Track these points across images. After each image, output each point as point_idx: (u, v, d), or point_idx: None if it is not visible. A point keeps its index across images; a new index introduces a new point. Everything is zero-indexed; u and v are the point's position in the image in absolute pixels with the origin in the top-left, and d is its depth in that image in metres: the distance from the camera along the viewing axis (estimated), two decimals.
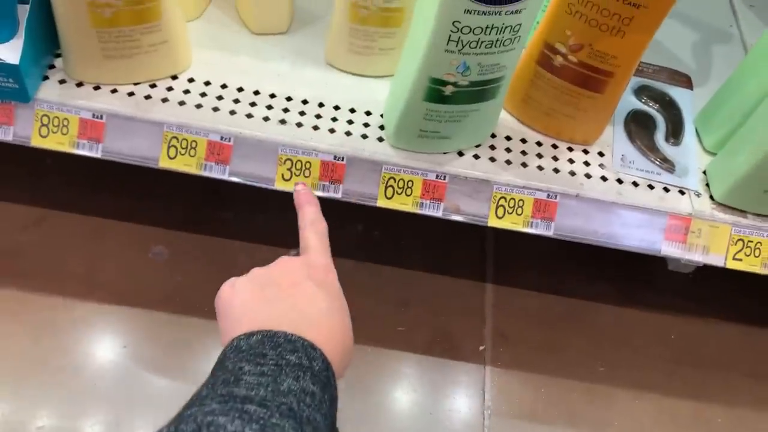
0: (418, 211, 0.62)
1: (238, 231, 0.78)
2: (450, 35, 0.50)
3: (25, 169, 0.77)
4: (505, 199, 0.62)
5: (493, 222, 0.62)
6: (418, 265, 0.79)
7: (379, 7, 0.60)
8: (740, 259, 0.63)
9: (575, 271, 0.81)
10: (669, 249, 0.63)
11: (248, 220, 0.79)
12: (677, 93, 0.71)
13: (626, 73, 0.58)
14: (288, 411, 0.33)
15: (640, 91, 0.70)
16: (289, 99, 0.64)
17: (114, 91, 0.61)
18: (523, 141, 0.65)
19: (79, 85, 0.60)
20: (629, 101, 0.69)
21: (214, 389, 0.34)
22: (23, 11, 0.57)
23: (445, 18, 0.49)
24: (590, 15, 0.54)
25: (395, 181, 0.62)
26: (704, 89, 0.73)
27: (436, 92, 0.55)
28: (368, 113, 0.64)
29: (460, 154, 0.63)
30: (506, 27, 0.50)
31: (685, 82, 0.73)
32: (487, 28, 0.50)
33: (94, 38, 0.56)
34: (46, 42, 0.60)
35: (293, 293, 0.41)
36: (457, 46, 0.51)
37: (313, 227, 0.46)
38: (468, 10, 0.48)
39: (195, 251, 0.76)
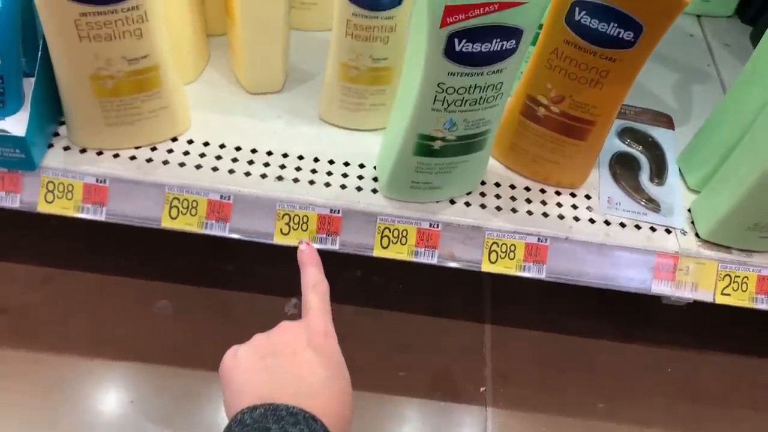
0: (414, 259, 0.64)
1: (240, 283, 0.79)
2: (435, 95, 0.53)
3: (31, 231, 0.80)
4: (497, 244, 0.64)
5: (486, 267, 0.64)
6: (418, 309, 0.80)
7: (368, 66, 0.63)
8: (728, 294, 0.65)
9: (571, 308, 0.82)
10: (659, 287, 0.64)
11: (249, 271, 0.81)
12: (660, 133, 0.74)
13: (607, 120, 0.60)
14: None
15: (624, 134, 0.73)
16: (285, 155, 0.66)
17: (116, 155, 0.63)
18: (512, 187, 0.67)
19: (83, 151, 0.63)
20: (613, 144, 0.72)
21: None
22: (28, 84, 0.60)
23: (430, 80, 0.52)
24: (569, 69, 0.57)
25: (390, 231, 0.64)
26: (686, 128, 0.75)
27: (426, 147, 0.58)
28: (362, 166, 0.67)
29: (452, 202, 0.65)
30: (489, 86, 0.53)
31: (667, 122, 0.75)
32: (470, 87, 0.52)
33: (96, 108, 0.59)
34: (50, 111, 0.62)
35: (293, 363, 0.43)
36: (443, 105, 0.54)
37: (315, 289, 0.48)
38: (451, 73, 0.51)
39: (199, 304, 0.78)
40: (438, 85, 0.52)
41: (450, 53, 0.50)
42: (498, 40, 0.49)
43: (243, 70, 0.69)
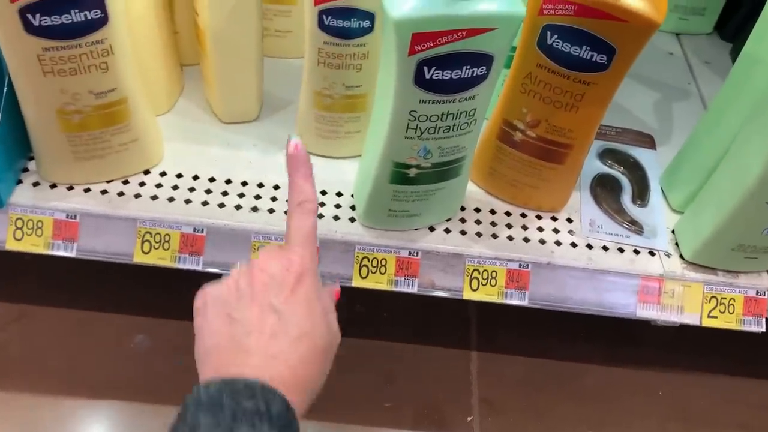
0: (394, 288, 0.63)
1: None
2: (408, 123, 0.52)
3: (2, 267, 0.78)
4: (479, 271, 0.62)
5: (468, 295, 0.62)
6: (402, 337, 0.79)
7: (342, 94, 0.62)
8: (715, 317, 0.63)
9: (558, 332, 0.81)
10: (644, 311, 0.63)
11: None
12: (641, 154, 0.73)
13: (585, 143, 0.59)
14: None
15: (605, 155, 0.72)
16: (260, 186, 0.65)
17: (87, 190, 0.62)
18: (492, 212, 0.66)
19: (53, 186, 0.62)
20: (594, 165, 0.71)
21: None
22: None
23: (402, 108, 0.51)
24: (543, 93, 0.56)
25: (369, 260, 0.62)
26: (667, 147, 0.75)
27: (401, 175, 0.56)
28: (339, 194, 0.65)
29: (432, 229, 0.64)
30: (461, 112, 0.52)
31: (648, 142, 0.75)
32: (443, 114, 0.51)
33: (65, 142, 0.58)
34: (18, 147, 0.61)
35: (259, 325, 0.40)
36: (416, 132, 0.52)
37: (300, 209, 0.42)
38: (423, 100, 0.50)
39: (176, 338, 0.76)
40: (410, 113, 0.51)
41: (420, 81, 0.49)
42: (468, 66, 0.48)
43: (217, 100, 0.68)
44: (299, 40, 0.75)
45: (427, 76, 0.48)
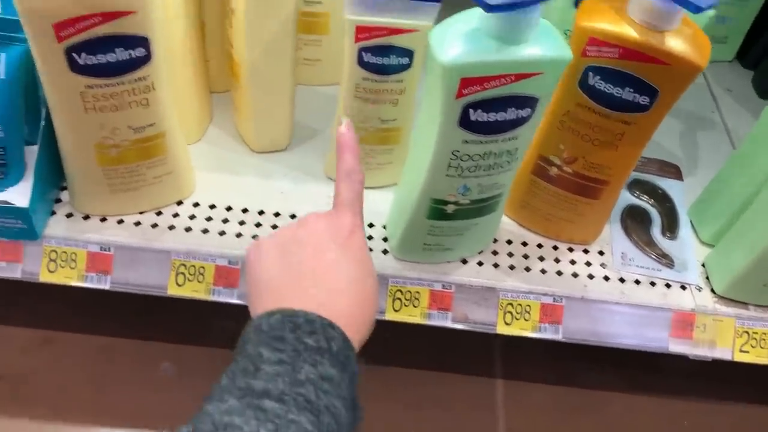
0: (427, 322, 0.63)
1: None
2: (450, 162, 0.52)
3: (30, 292, 0.77)
4: (512, 305, 0.62)
5: (501, 329, 0.62)
6: (427, 364, 0.79)
7: (376, 128, 0.62)
8: (747, 351, 0.64)
9: (582, 361, 0.81)
10: (676, 346, 0.63)
11: None
12: (668, 185, 0.73)
13: (621, 180, 0.60)
14: (305, 403, 0.34)
15: (632, 186, 0.72)
16: (293, 216, 0.65)
17: (120, 221, 0.62)
18: (524, 244, 0.66)
19: (86, 217, 0.61)
20: (623, 197, 0.71)
21: (234, 381, 0.35)
22: (30, 152, 0.59)
23: (445, 148, 0.51)
24: (582, 131, 0.56)
25: (402, 293, 0.62)
26: (694, 178, 0.75)
27: (439, 211, 0.57)
28: (371, 225, 0.65)
29: (464, 261, 0.64)
30: (503, 152, 0.52)
31: (675, 173, 0.75)
32: (485, 154, 0.52)
33: (100, 175, 0.58)
34: (53, 178, 0.61)
35: (316, 263, 0.42)
36: (457, 171, 0.53)
37: (348, 178, 0.46)
38: (466, 141, 0.50)
39: (203, 365, 0.75)
40: (452, 152, 0.51)
41: (465, 123, 0.49)
42: (513, 108, 0.49)
43: (249, 130, 0.68)
44: (328, 68, 0.76)
45: (473, 118, 0.48)
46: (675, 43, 0.49)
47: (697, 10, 0.45)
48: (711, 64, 0.90)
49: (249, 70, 0.62)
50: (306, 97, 0.75)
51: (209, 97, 0.71)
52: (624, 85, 0.52)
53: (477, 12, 0.47)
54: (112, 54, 0.49)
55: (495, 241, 0.66)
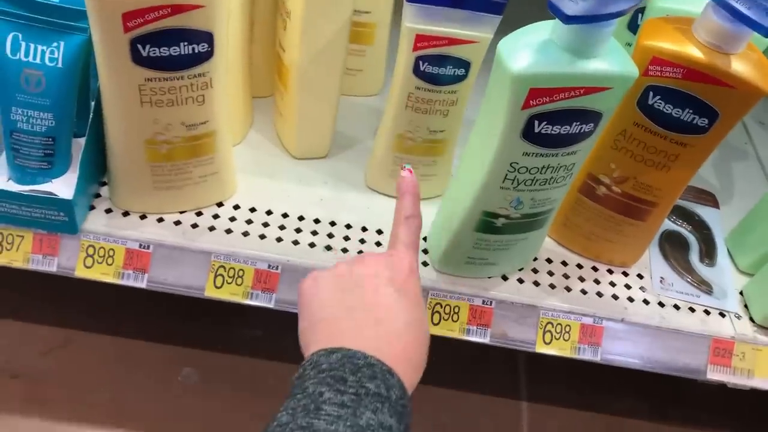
0: (465, 337, 0.62)
1: (268, 350, 0.76)
2: (507, 174, 0.51)
3: (49, 290, 0.76)
4: (552, 324, 0.62)
5: (540, 348, 0.62)
6: (452, 383, 0.77)
7: (424, 138, 0.62)
8: None
9: (607, 386, 0.80)
10: (715, 374, 0.62)
11: (278, 338, 0.77)
12: (705, 212, 0.73)
13: (669, 202, 0.60)
14: None
15: (671, 212, 0.72)
16: (333, 224, 0.64)
17: (160, 220, 0.61)
18: (564, 264, 0.66)
19: (126, 214, 0.60)
20: None
21: (295, 418, 0.34)
22: (76, 145, 0.58)
23: (504, 159, 0.51)
24: (636, 151, 0.56)
25: (441, 307, 0.62)
26: (729, 207, 0.75)
27: (488, 224, 0.56)
28: None
29: (504, 278, 0.63)
30: (561, 166, 0.52)
31: (712, 201, 0.75)
32: (543, 168, 0.51)
33: (147, 172, 0.57)
34: (95, 173, 0.60)
35: (374, 303, 0.41)
36: (512, 183, 0.52)
37: (407, 222, 0.46)
38: (526, 153, 0.50)
39: (225, 373, 0.74)
40: (511, 164, 0.51)
41: (528, 134, 0.48)
42: (578, 123, 0.48)
43: (291, 135, 0.68)
44: (369, 79, 0.76)
45: (536, 130, 0.48)
46: (741, 67, 0.49)
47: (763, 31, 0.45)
48: None
49: (299, 74, 0.61)
50: (345, 107, 0.75)
51: (251, 102, 0.70)
52: (684, 107, 0.52)
53: (547, 24, 0.47)
54: (176, 48, 0.49)
55: (535, 259, 0.65)
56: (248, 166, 0.67)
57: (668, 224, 0.71)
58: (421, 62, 0.56)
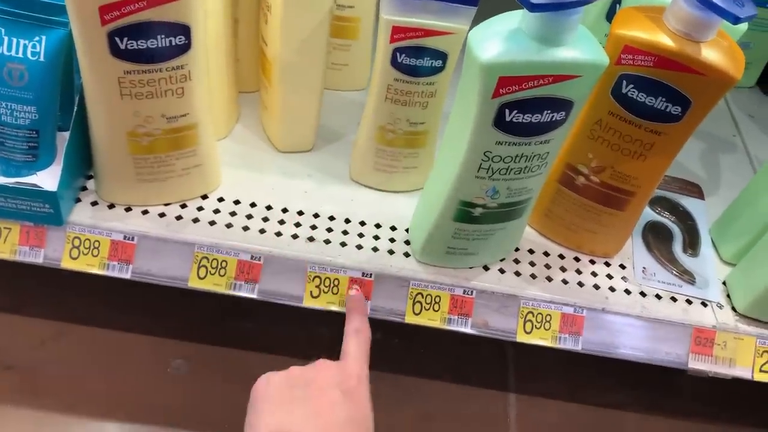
0: (447, 327, 0.62)
1: (258, 342, 0.77)
2: (481, 163, 0.52)
3: (42, 283, 0.77)
4: (533, 313, 0.62)
5: (521, 337, 0.62)
6: (440, 375, 0.78)
7: (405, 130, 0.63)
8: (767, 371, 0.63)
9: (596, 377, 0.80)
10: (696, 363, 0.63)
11: (268, 330, 0.78)
12: (690, 203, 0.73)
13: (647, 191, 0.60)
14: None
15: (654, 202, 0.72)
16: (316, 216, 0.65)
17: (145, 212, 0.62)
18: (546, 254, 0.66)
19: (111, 206, 0.62)
20: (645, 213, 0.71)
21: None
22: (61, 138, 0.59)
23: (477, 148, 0.51)
24: (612, 140, 0.56)
25: (423, 297, 0.62)
26: (715, 198, 0.75)
27: (466, 213, 0.57)
28: (393, 228, 0.65)
29: (486, 268, 0.64)
30: (535, 155, 0.52)
31: (697, 192, 0.75)
32: (517, 156, 0.52)
33: (130, 164, 0.58)
34: (81, 165, 0.61)
35: (318, 399, 0.45)
36: (487, 173, 0.53)
37: (356, 335, 0.51)
38: (499, 142, 0.50)
39: (215, 364, 0.75)
40: (484, 153, 0.51)
41: (499, 123, 0.49)
42: (549, 111, 0.49)
43: (276, 129, 0.69)
44: (354, 74, 0.77)
45: (507, 119, 0.49)
46: (711, 54, 0.49)
47: (737, 20, 0.46)
48: (733, 89, 0.92)
49: (281, 67, 0.62)
50: (331, 101, 0.76)
51: (237, 96, 0.71)
52: (657, 95, 0.52)
53: (517, 14, 0.47)
54: (153, 40, 0.50)
55: (517, 249, 0.66)
56: (234, 159, 0.68)
57: (652, 215, 0.71)
58: (398, 54, 0.57)
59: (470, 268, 0.63)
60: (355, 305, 0.55)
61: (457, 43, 0.57)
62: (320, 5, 0.59)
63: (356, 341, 0.50)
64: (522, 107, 0.48)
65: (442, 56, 0.57)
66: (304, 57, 0.62)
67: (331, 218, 0.65)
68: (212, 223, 0.62)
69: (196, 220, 0.62)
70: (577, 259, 0.66)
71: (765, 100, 0.91)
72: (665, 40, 0.50)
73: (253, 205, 0.65)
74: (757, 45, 0.86)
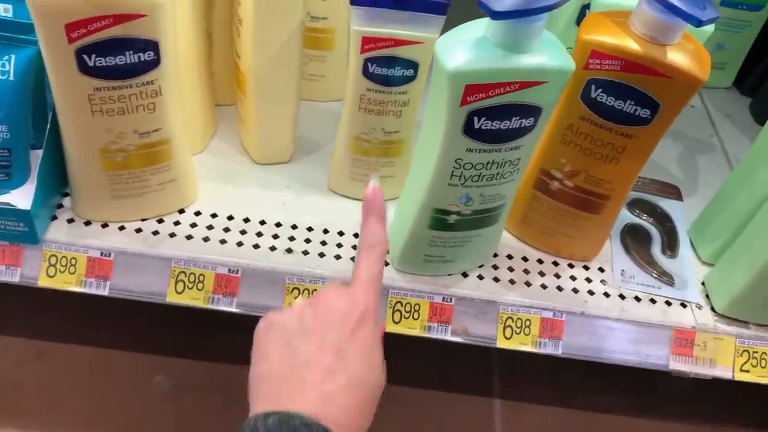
0: (426, 334, 0.62)
1: (239, 356, 0.76)
2: (453, 171, 0.52)
3: (24, 302, 0.77)
4: (512, 319, 0.62)
5: (501, 343, 0.62)
6: (426, 382, 0.78)
7: (380, 140, 0.63)
8: (747, 371, 0.63)
9: (581, 381, 0.80)
10: (677, 364, 0.63)
11: (249, 344, 0.78)
12: (668, 205, 0.73)
13: (622, 194, 0.60)
14: None
15: (633, 205, 0.72)
16: (294, 227, 0.65)
17: (122, 228, 0.62)
18: (525, 259, 0.66)
19: (87, 223, 0.61)
20: (623, 215, 0.71)
21: None
22: (35, 156, 0.59)
23: (448, 156, 0.51)
24: (584, 144, 0.57)
25: (402, 305, 0.62)
26: (694, 199, 0.75)
27: (441, 221, 0.57)
28: None
29: (465, 275, 0.64)
30: (506, 161, 0.52)
31: (675, 193, 0.75)
32: (488, 163, 0.52)
33: (104, 180, 0.58)
34: (56, 183, 0.61)
35: (317, 361, 0.40)
36: (459, 180, 0.53)
37: (370, 251, 0.43)
38: (470, 149, 0.51)
39: (196, 379, 0.75)
40: (456, 161, 0.52)
41: (469, 130, 0.49)
42: (517, 117, 0.49)
43: (252, 142, 0.69)
44: (331, 84, 0.77)
45: (477, 126, 0.49)
46: (676, 57, 0.50)
47: (699, 23, 0.46)
48: (710, 90, 0.92)
49: (255, 79, 0.62)
50: (309, 112, 0.76)
51: (213, 109, 0.71)
52: (625, 98, 0.52)
53: (482, 22, 0.48)
54: (121, 57, 0.50)
55: (495, 255, 0.66)
56: (211, 173, 0.68)
57: (630, 218, 0.72)
58: (369, 64, 0.57)
59: (449, 275, 0.63)
60: (370, 208, 0.43)
61: (427, 52, 0.57)
62: (291, 17, 0.59)
63: (368, 259, 0.43)
64: (490, 114, 0.48)
65: (413, 65, 0.58)
66: (277, 69, 0.62)
67: (310, 229, 0.65)
68: (189, 237, 0.62)
69: (173, 235, 0.62)
70: (556, 264, 0.66)
71: (741, 100, 0.91)
72: (631, 44, 0.50)
73: (230, 218, 0.64)
74: (733, 46, 0.87)
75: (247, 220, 0.65)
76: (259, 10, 0.58)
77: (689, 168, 0.80)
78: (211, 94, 0.69)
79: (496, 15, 0.43)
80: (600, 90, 0.53)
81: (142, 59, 0.51)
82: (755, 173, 0.63)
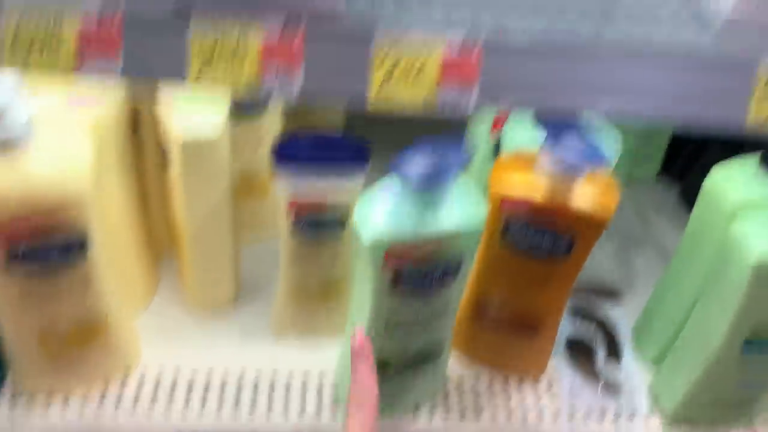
0: None
1: None
2: (385, 324, 0.53)
3: None
4: None
5: None
6: None
7: (319, 284, 0.64)
8: None
9: None
10: None
11: None
12: (608, 309, 0.75)
13: (556, 316, 0.62)
14: None
15: (573, 314, 0.74)
16: (240, 378, 0.65)
17: (65, 400, 0.61)
18: (477, 378, 0.67)
19: (30, 397, 0.61)
20: (565, 328, 0.72)
21: None
22: None
23: (380, 311, 0.53)
24: (511, 275, 0.59)
25: None
26: (632, 298, 0.77)
27: (380, 369, 0.57)
28: (321, 375, 0.65)
29: (416, 407, 0.64)
30: (436, 309, 0.54)
31: (613, 296, 0.77)
32: (419, 310, 0.53)
33: (44, 358, 0.58)
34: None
35: None
36: (394, 330, 0.54)
37: (358, 410, 0.44)
38: (399, 303, 0.52)
39: None
40: (387, 312, 0.53)
41: (395, 288, 0.51)
42: (441, 268, 0.51)
43: (193, 292, 0.69)
44: (275, 224, 0.79)
45: (403, 284, 0.51)
46: (583, 195, 0.52)
47: (595, 167, 0.49)
48: (637, 183, 0.95)
49: (189, 235, 0.64)
50: (257, 251, 0.77)
51: (154, 264, 0.72)
52: (542, 235, 0.55)
53: (395, 180, 0.50)
54: (50, 251, 0.51)
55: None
56: (154, 330, 0.68)
57: (571, 330, 0.73)
58: (299, 224, 0.59)
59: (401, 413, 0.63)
60: (360, 355, 0.46)
61: (354, 198, 0.59)
62: (219, 178, 0.61)
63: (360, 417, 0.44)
64: (414, 271, 0.50)
65: (342, 220, 0.60)
66: (210, 223, 0.63)
67: (256, 378, 0.65)
68: (136, 400, 0.62)
69: (117, 403, 0.61)
70: (506, 381, 0.67)
71: (669, 190, 0.94)
72: (537, 190, 0.53)
73: (175, 377, 0.64)
74: (656, 135, 0.90)
75: (192, 378, 0.64)
76: (186, 173, 0.60)
77: (623, 266, 0.82)
78: (149, 252, 0.70)
79: (418, 186, 0.45)
80: (517, 227, 0.55)
81: (70, 252, 0.52)
82: (683, 273, 0.64)
